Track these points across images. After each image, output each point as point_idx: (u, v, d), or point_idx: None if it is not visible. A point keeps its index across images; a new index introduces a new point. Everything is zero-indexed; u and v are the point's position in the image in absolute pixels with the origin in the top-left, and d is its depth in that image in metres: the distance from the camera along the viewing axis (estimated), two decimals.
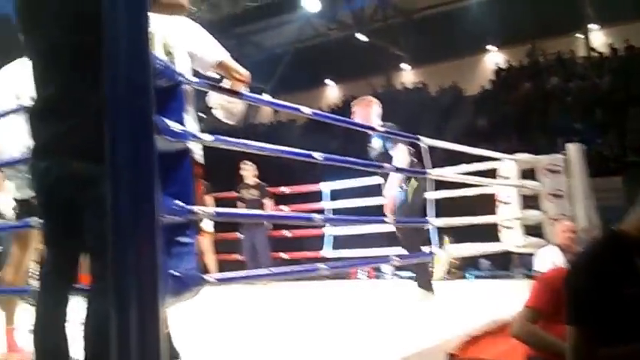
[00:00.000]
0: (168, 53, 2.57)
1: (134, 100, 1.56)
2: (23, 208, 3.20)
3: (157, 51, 2.49)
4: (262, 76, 19.06)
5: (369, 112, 4.91)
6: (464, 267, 7.31)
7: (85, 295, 2.11)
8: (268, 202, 7.72)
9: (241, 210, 7.22)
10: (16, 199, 3.33)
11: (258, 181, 7.93)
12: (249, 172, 7.86)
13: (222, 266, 7.91)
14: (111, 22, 1.54)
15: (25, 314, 2.32)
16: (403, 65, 22.28)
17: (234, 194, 8.02)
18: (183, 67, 2.58)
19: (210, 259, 7.51)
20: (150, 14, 1.58)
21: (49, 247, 2.19)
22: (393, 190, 4.76)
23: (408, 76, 22.13)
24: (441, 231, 5.46)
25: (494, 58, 19.80)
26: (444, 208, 5.17)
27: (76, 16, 1.97)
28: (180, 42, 2.62)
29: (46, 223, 2.20)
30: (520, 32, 17.62)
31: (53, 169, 2.01)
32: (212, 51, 2.68)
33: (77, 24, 1.96)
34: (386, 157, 4.72)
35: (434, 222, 4.08)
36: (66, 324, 2.13)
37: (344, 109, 20.87)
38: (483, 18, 17.52)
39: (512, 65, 18.17)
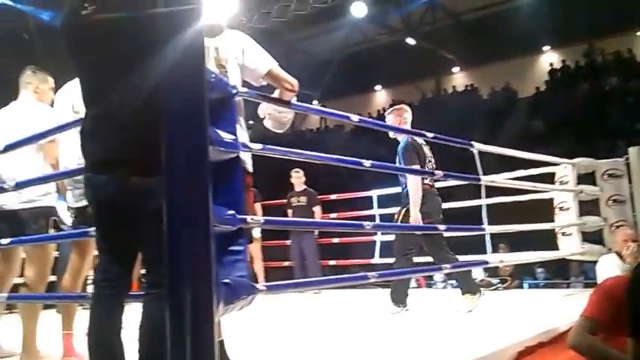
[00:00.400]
0: (221, 66, 2.63)
1: (189, 113, 1.60)
2: (80, 216, 3.30)
3: (210, 64, 2.56)
4: (311, 82, 19.15)
5: (400, 121, 4.93)
6: (519, 275, 7.16)
7: (139, 302, 2.16)
8: (317, 209, 7.73)
9: (291, 218, 7.24)
10: (73, 208, 3.43)
11: (306, 187, 7.96)
12: (298, 179, 7.89)
13: (271, 273, 7.97)
14: (166, 38, 1.58)
15: (84, 320, 2.39)
16: (454, 68, 22.06)
17: (283, 201, 8.08)
18: (234, 78, 2.63)
19: (259, 266, 7.57)
20: None
21: (104, 256, 2.26)
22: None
23: (458, 79, 21.90)
24: (496, 238, 5.38)
25: (548, 59, 19.41)
26: (499, 214, 5.09)
27: (129, 34, 2.03)
28: (231, 54, 2.68)
29: (101, 233, 2.26)
30: (576, 31, 17.16)
31: (111, 183, 2.07)
32: (261, 62, 2.72)
33: (131, 41, 2.01)
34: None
35: (488, 229, 4.01)
36: (121, 330, 2.19)
37: None
38: (536, 17, 17.12)
39: (568, 65, 17.77)
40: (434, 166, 4.98)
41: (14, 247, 3.51)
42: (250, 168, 2.72)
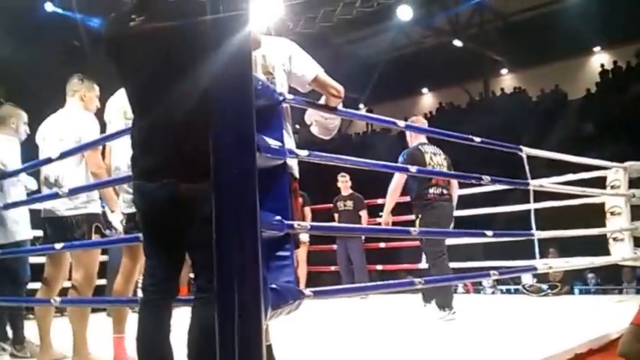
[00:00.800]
0: (268, 73, 2.67)
1: (237, 120, 1.63)
2: (131, 222, 3.38)
3: (257, 71, 2.61)
4: (357, 86, 19.11)
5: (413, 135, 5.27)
6: (570, 281, 7.00)
7: (188, 306, 2.20)
8: (363, 214, 7.72)
9: (337, 224, 7.25)
10: (124, 214, 3.52)
11: (353, 192, 7.96)
12: (345, 183, 7.91)
13: (319, 277, 8.00)
14: (214, 45, 1.61)
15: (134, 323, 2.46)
16: (502, 70, 21.73)
17: (330, 205, 8.10)
18: (281, 85, 2.67)
19: (303, 271, 7.60)
20: None
21: (151, 261, 2.30)
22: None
23: (507, 81, 21.54)
24: (545, 243, 5.28)
25: (599, 60, 18.89)
26: (548, 219, 5.00)
27: (177, 43, 2.07)
28: (278, 61, 2.71)
29: (150, 239, 2.31)
30: (627, 31, 16.64)
31: (161, 189, 2.12)
32: (308, 68, 2.73)
33: (179, 50, 2.05)
34: None
35: (537, 234, 3.94)
36: (169, 333, 2.23)
37: (438, 117, 20.64)
38: (586, 17, 16.66)
39: (619, 66, 17.28)
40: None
41: (63, 251, 3.61)
42: (297, 173, 2.74)
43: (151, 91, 2.17)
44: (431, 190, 5.13)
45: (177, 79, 2.04)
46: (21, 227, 4.04)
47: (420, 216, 5.13)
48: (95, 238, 3.62)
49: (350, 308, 6.29)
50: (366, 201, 7.87)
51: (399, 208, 7.27)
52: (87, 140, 3.50)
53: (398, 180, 5.12)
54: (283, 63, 2.71)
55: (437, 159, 5.18)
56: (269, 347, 2.52)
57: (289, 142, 2.65)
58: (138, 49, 2.16)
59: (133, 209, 3.23)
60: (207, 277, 2.01)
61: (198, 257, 2.14)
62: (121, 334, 3.35)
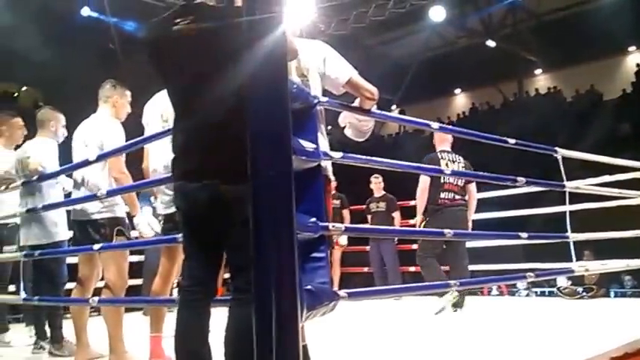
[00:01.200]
0: (303, 75, 2.68)
1: (273, 124, 1.64)
2: (169, 222, 3.43)
3: (292, 74, 2.62)
4: (390, 87, 19.06)
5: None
6: (606, 283, 6.88)
7: (224, 306, 2.23)
8: (396, 215, 7.70)
9: (370, 225, 7.25)
10: (162, 215, 3.57)
11: (385, 193, 7.94)
12: (377, 185, 7.90)
13: (351, 278, 7.99)
14: (250, 50, 1.63)
15: (171, 322, 2.50)
16: (536, 70, 21.46)
17: (362, 207, 8.09)
18: (316, 87, 2.68)
19: (337, 272, 7.61)
20: None
21: (190, 261, 2.33)
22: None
23: (541, 81, 21.27)
24: (580, 245, 5.21)
25: (635, 59, 18.54)
26: (584, 220, 4.93)
27: (218, 46, 2.10)
28: (313, 64, 2.72)
29: (190, 239, 2.34)
30: None
31: (203, 190, 2.15)
32: (342, 71, 2.74)
33: (220, 53, 2.08)
34: None
35: (572, 236, 3.89)
36: (208, 334, 2.26)
37: (471, 117, 20.45)
38: (621, 16, 16.34)
39: None
40: (453, 182, 5.35)
41: (99, 252, 3.67)
42: (331, 175, 2.76)
43: (193, 92, 2.20)
44: (442, 195, 5.37)
45: (218, 80, 2.08)
46: (59, 228, 4.14)
47: (427, 219, 5.41)
48: (118, 240, 3.69)
49: (383, 310, 6.29)
50: (398, 202, 7.84)
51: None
52: (109, 147, 3.57)
53: (424, 183, 5.35)
54: (318, 65, 2.72)
55: (454, 165, 5.40)
56: (304, 347, 2.53)
57: (324, 143, 2.66)
58: (181, 51, 2.20)
59: (172, 210, 3.28)
60: (245, 279, 2.03)
61: (237, 258, 2.16)
62: (158, 333, 3.40)
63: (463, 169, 5.45)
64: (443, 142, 5.67)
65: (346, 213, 7.98)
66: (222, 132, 2.10)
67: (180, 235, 2.81)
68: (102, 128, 3.75)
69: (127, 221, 3.77)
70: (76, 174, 3.80)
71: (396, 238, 7.65)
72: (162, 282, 3.50)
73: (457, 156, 5.59)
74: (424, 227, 5.41)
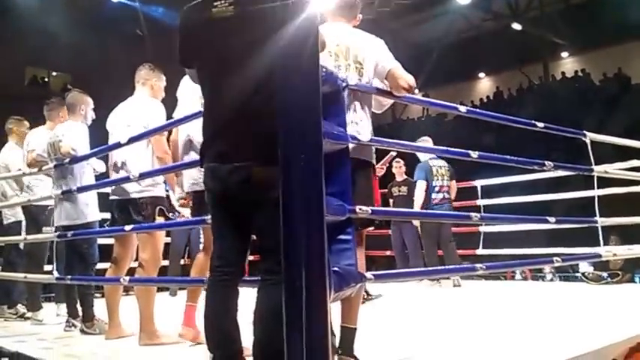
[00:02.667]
0: (359, 63, 2.81)
1: (304, 108, 1.66)
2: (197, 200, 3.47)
3: (349, 61, 2.79)
4: (413, 70, 18.89)
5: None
6: (631, 269, 6.82)
7: (252, 287, 2.27)
8: None
9: (393, 208, 7.25)
10: (190, 192, 3.59)
11: (407, 177, 7.93)
12: (399, 169, 7.89)
13: (373, 262, 8.02)
14: (282, 33, 1.65)
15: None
16: (562, 53, 21.14)
17: (384, 191, 8.09)
18: (369, 76, 2.82)
19: (361, 256, 7.62)
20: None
21: (221, 242, 2.36)
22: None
23: (567, 64, 20.96)
24: (606, 230, 5.19)
25: None
26: (610, 205, 4.89)
27: (255, 28, 2.12)
28: (368, 53, 2.84)
29: (220, 220, 2.38)
30: None
31: (236, 172, 2.18)
32: (388, 62, 2.85)
33: (255, 35, 2.10)
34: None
35: (601, 221, 3.87)
36: (236, 313, 2.30)
37: (496, 102, 20.25)
38: None
39: None
40: (443, 184, 6.91)
41: (131, 233, 3.75)
42: (374, 161, 2.89)
43: (227, 75, 2.23)
44: (435, 195, 6.89)
45: (252, 64, 2.10)
46: (90, 209, 4.23)
47: None
48: (159, 220, 3.75)
49: (405, 292, 6.33)
50: None
51: (457, 194, 7.28)
52: (154, 126, 3.62)
53: (424, 185, 6.89)
54: (372, 55, 2.85)
55: (442, 170, 6.96)
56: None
57: (367, 125, 2.79)
58: (217, 34, 2.22)
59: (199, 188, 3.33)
60: (275, 260, 2.06)
61: (267, 241, 2.19)
62: (193, 303, 3.45)
63: (448, 171, 6.97)
64: (427, 154, 6.77)
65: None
66: (254, 115, 2.13)
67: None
68: (146, 109, 3.80)
69: (166, 201, 3.82)
70: (117, 155, 3.85)
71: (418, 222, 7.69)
72: (206, 254, 3.48)
73: (442, 161, 7.01)
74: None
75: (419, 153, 7.30)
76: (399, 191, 7.80)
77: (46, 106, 5.09)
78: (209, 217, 2.87)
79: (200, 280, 3.15)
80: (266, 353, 2.09)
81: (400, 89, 2.80)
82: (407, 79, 2.80)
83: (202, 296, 3.43)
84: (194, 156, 3.48)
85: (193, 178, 3.47)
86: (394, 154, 5.40)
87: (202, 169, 2.41)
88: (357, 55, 2.82)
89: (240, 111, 2.18)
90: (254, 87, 2.12)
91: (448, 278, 6.98)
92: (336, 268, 2.19)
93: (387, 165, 5.50)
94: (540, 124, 3.52)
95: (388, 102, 3.10)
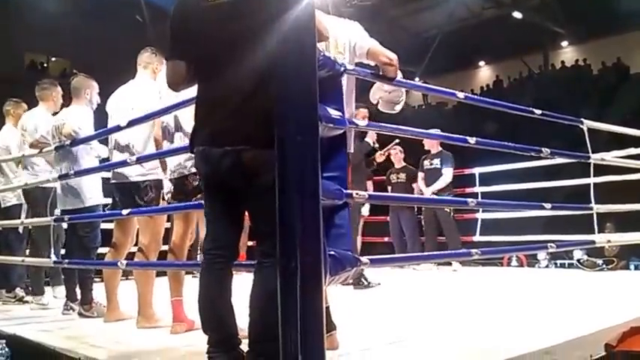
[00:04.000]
0: (339, 53, 2.79)
1: (300, 91, 1.66)
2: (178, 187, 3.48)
3: (331, 51, 2.75)
4: (413, 59, 18.92)
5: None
6: (625, 256, 6.87)
7: (249, 270, 2.28)
8: (416, 186, 7.71)
9: (393, 194, 7.28)
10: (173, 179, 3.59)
11: (406, 165, 7.96)
12: (396, 156, 7.93)
13: (372, 248, 8.05)
14: (279, 18, 1.65)
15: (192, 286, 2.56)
16: (562, 42, 21.09)
17: (383, 178, 8.12)
18: (349, 62, 2.78)
19: (357, 242, 7.66)
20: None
21: (214, 225, 2.37)
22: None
23: (567, 53, 20.93)
24: (602, 218, 5.21)
25: None
26: (606, 193, 4.92)
27: (248, 15, 2.13)
28: (346, 39, 2.83)
29: (211, 203, 2.38)
30: None
31: (227, 156, 2.18)
32: (365, 41, 2.85)
33: (248, 21, 2.11)
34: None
35: (597, 208, 3.89)
36: (230, 296, 2.32)
37: (495, 90, 20.23)
38: None
39: None
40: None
41: (130, 217, 3.76)
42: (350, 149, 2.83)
43: (221, 61, 2.23)
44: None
45: (247, 49, 2.11)
46: (93, 193, 4.25)
47: None
48: (163, 203, 3.76)
49: (402, 278, 6.36)
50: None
51: (456, 181, 7.31)
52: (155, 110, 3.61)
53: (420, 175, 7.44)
54: (350, 39, 2.83)
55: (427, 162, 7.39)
56: (327, 309, 2.59)
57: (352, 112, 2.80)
58: (212, 19, 2.23)
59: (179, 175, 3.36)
60: (271, 243, 2.08)
61: (262, 224, 2.20)
62: (179, 297, 3.47)
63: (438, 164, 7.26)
64: (429, 145, 7.35)
65: (370, 184, 8.01)
66: (247, 99, 2.14)
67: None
68: (149, 92, 3.79)
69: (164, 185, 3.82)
70: (120, 137, 3.84)
71: (416, 208, 7.76)
72: (181, 242, 3.53)
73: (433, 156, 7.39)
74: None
75: (427, 143, 7.41)
76: (398, 178, 7.84)
77: (37, 87, 5.11)
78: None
79: (196, 264, 3.16)
80: (261, 335, 2.11)
81: (385, 67, 2.80)
82: (387, 54, 2.81)
83: (190, 285, 3.50)
84: (167, 145, 3.52)
85: (174, 165, 3.48)
86: (397, 141, 5.42)
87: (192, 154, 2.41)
88: (337, 45, 2.82)
89: (233, 96, 2.18)
90: (248, 71, 2.12)
91: (450, 264, 7.07)
92: (332, 252, 2.21)
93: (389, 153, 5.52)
94: (538, 111, 3.54)
95: (398, 96, 3.08)
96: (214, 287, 2.33)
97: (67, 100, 4.51)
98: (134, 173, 3.76)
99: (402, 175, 7.81)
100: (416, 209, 7.86)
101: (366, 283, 5.15)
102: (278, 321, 1.86)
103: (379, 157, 5.08)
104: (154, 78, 3.94)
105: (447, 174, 7.30)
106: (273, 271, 1.78)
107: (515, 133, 11.11)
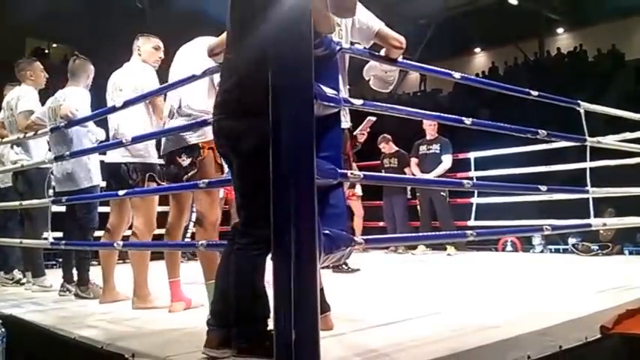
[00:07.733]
0: (337, 25, 2.71)
1: (296, 69, 1.65)
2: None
3: None
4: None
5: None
6: (620, 241, 6.89)
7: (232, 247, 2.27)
8: (408, 171, 7.74)
9: (388, 175, 7.29)
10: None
11: (398, 150, 8.02)
12: (387, 144, 8.02)
13: (367, 232, 8.08)
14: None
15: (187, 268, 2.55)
16: (558, 29, 21.06)
17: (377, 163, 8.17)
18: (347, 39, 2.78)
19: (358, 223, 7.71)
20: None
21: (235, 195, 2.35)
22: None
23: (563, 40, 20.90)
24: (602, 204, 5.24)
25: None
26: (604, 177, 4.94)
27: None
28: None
29: (231, 174, 2.39)
30: None
31: (214, 125, 2.28)
32: (372, 22, 2.82)
33: (242, 4, 2.14)
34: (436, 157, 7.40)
35: (592, 191, 3.90)
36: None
37: (491, 77, 20.18)
38: None
39: None
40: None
41: (125, 199, 3.78)
42: (347, 124, 2.80)
43: (229, 38, 2.30)
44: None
45: (242, 26, 2.15)
46: (91, 175, 4.25)
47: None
48: (149, 185, 3.75)
49: (396, 261, 6.38)
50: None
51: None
52: (145, 90, 3.60)
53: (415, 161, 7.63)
54: (354, 17, 2.77)
55: (432, 147, 7.54)
56: (321, 290, 2.59)
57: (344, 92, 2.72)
58: None
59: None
60: (244, 218, 2.14)
61: (237, 195, 2.24)
62: (176, 278, 3.48)
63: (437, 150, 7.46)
64: (429, 130, 7.59)
65: (355, 168, 8.05)
66: (240, 73, 2.17)
67: (202, 181, 2.90)
68: (136, 73, 3.80)
69: (158, 169, 3.81)
70: (111, 120, 3.84)
71: (409, 193, 7.89)
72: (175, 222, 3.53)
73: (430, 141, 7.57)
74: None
75: (427, 128, 7.44)
76: (390, 163, 7.94)
77: (15, 69, 5.09)
78: (203, 180, 2.92)
79: (191, 245, 3.16)
80: (238, 319, 2.12)
81: (392, 50, 2.78)
82: (396, 36, 2.78)
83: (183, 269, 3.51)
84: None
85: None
86: (373, 118, 5.36)
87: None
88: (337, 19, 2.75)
89: (225, 71, 2.29)
90: (241, 50, 2.16)
91: (445, 248, 7.11)
92: (327, 231, 2.20)
93: (368, 131, 5.51)
94: (534, 93, 3.53)
95: (393, 76, 3.06)
96: (226, 264, 2.27)
97: (63, 82, 4.46)
98: (120, 155, 3.76)
99: (394, 160, 7.91)
100: (409, 194, 7.93)
101: (346, 268, 5.14)
102: (251, 303, 2.05)
103: (360, 136, 5.07)
104: (142, 59, 3.92)
105: (447, 160, 7.35)
106: (243, 255, 1.87)
107: (512, 119, 11.11)
